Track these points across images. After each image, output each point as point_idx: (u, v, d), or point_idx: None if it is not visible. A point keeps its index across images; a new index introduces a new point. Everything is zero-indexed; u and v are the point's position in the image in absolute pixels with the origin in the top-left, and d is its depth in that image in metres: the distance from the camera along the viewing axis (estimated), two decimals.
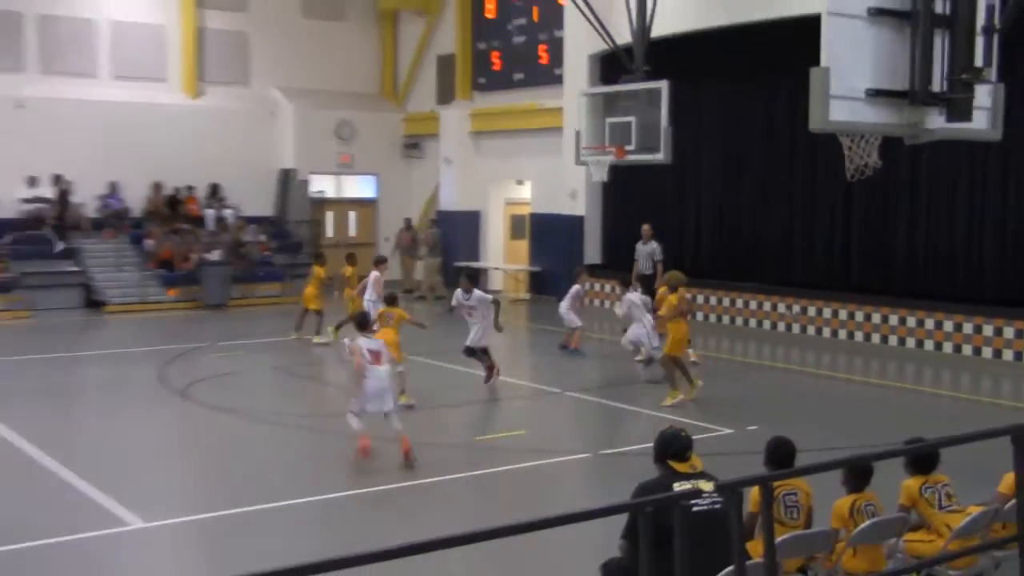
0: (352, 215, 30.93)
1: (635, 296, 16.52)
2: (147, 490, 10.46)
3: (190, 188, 27.84)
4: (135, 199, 27.30)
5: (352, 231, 30.78)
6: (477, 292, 15.23)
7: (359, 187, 31.05)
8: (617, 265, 23.94)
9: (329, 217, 30.39)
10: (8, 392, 15.03)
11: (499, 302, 15.62)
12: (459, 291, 15.24)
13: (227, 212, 27.93)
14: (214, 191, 28.24)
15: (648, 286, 19.72)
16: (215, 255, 25.76)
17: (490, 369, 15.21)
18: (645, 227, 21.38)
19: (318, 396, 16.07)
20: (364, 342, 11.50)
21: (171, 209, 27.40)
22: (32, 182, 25.65)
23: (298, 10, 30.05)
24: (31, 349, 18.83)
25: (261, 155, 29.19)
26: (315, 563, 3.95)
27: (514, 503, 10.10)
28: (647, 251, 21.39)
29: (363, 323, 12.19)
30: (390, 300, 14.77)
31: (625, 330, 16.89)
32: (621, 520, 5.88)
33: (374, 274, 18.20)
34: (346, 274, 19.96)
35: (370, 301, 17.48)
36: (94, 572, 8.40)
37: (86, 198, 26.45)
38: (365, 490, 10.51)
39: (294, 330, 19.68)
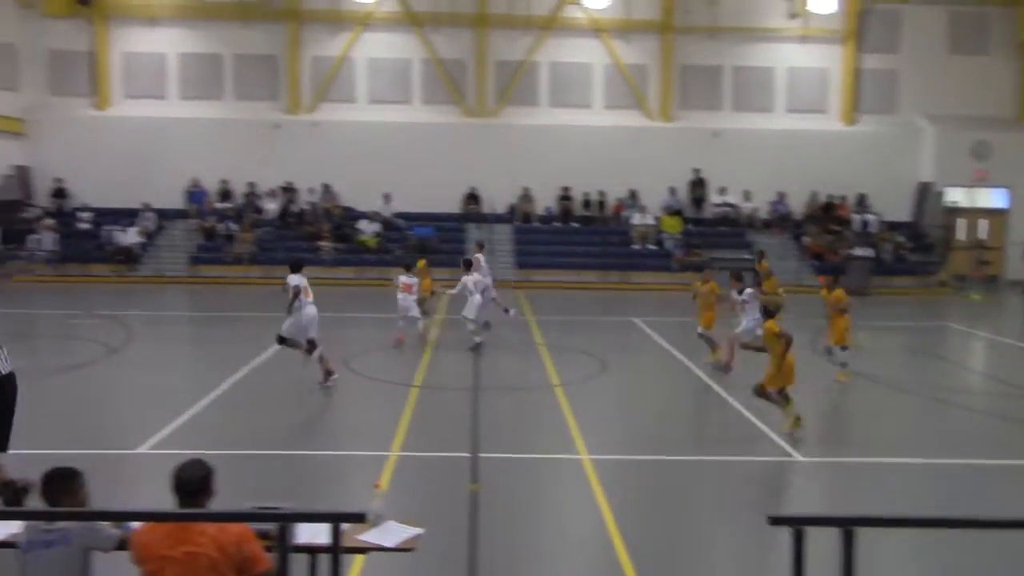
0: (983, 223, 27.49)
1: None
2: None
3: (842, 197, 26.90)
4: (797, 204, 27.10)
5: (982, 236, 27.44)
6: (749, 290, 13.32)
7: (991, 198, 27.52)
8: None
9: (960, 224, 27.38)
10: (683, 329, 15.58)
11: None
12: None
13: (870, 217, 26.54)
14: (861, 200, 26.98)
15: None
16: (859, 251, 24.61)
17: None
18: None
19: (935, 370, 14.51)
20: (295, 278, 11.48)
21: (825, 213, 26.74)
22: (722, 191, 26.70)
23: (945, 48, 27.37)
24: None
25: (902, 171, 27.18)
26: None
27: None
28: None
29: (295, 267, 11.73)
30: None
31: None
32: None
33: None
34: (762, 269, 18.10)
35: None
36: (759, 485, 8.39)
37: (760, 204, 26.87)
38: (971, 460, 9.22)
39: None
